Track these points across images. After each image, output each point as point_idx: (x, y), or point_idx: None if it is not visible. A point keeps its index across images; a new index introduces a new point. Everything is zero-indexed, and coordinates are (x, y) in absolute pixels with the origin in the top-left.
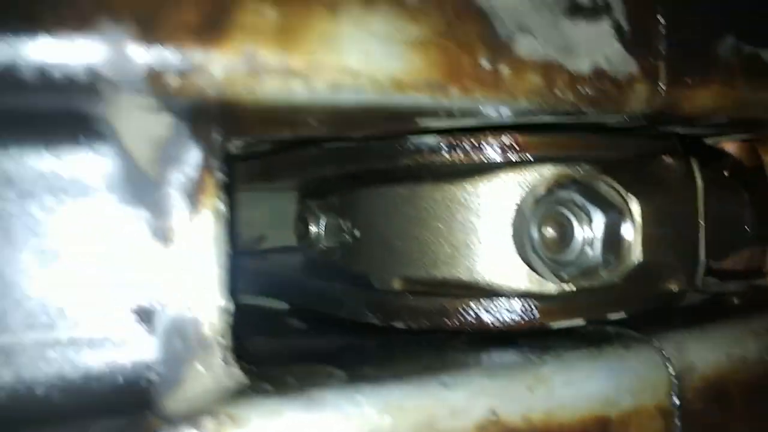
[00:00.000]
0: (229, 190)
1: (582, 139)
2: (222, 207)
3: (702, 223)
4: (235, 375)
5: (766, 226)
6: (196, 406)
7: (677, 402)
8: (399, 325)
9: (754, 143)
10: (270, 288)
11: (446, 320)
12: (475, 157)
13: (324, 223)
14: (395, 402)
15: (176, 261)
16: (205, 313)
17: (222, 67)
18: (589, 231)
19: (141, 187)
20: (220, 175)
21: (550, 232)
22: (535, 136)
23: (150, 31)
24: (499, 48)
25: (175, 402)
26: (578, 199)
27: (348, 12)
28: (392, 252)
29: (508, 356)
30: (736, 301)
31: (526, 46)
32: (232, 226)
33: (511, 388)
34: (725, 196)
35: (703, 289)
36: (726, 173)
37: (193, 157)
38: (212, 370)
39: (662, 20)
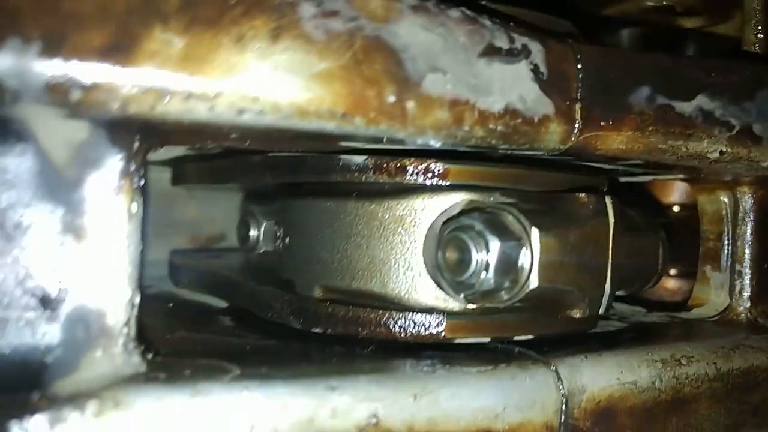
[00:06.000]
0: (146, 193)
1: (497, 171)
2: (136, 208)
3: (610, 256)
4: (134, 363)
5: (689, 262)
6: (84, 389)
7: (564, 419)
8: (317, 330)
9: (688, 183)
10: (214, 286)
11: (359, 328)
12: (398, 179)
13: (264, 228)
14: (279, 399)
15: (86, 255)
16: (109, 305)
17: (125, 86)
18: (484, 256)
19: (57, 185)
20: (137, 179)
21: (451, 254)
22: (454, 164)
23: (54, 49)
24: (407, 84)
25: (65, 385)
26: (478, 226)
27: (253, 45)
28: (316, 261)
29: (402, 366)
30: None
31: (434, 84)
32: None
33: (396, 396)
34: (638, 233)
35: (619, 317)
36: (641, 212)
37: (111, 161)
38: (110, 358)
39: (581, 66)
